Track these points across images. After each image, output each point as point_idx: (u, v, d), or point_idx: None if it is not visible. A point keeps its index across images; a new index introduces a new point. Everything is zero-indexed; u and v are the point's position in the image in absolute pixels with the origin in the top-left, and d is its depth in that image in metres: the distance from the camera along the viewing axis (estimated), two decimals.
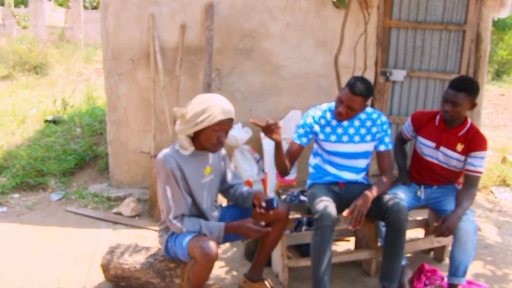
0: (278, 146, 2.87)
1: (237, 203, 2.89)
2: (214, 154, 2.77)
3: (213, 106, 2.52)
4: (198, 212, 2.72)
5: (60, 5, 22.25)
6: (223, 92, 4.48)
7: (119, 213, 4.23)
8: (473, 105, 3.02)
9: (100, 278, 3.08)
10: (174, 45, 4.41)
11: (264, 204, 2.66)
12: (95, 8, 23.04)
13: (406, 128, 3.41)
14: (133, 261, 2.86)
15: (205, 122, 2.51)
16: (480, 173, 3.07)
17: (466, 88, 2.95)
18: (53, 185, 4.70)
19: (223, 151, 2.87)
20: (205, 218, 2.74)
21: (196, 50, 4.45)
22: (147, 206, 4.34)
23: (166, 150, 2.61)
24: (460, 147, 3.10)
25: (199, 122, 2.51)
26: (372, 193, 2.89)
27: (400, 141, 3.51)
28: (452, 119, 3.06)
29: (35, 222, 4.03)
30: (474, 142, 3.06)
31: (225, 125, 2.57)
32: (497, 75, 15.33)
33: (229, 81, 4.56)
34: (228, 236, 2.81)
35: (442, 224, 2.88)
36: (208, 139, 2.57)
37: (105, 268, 2.93)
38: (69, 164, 5.02)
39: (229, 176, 2.92)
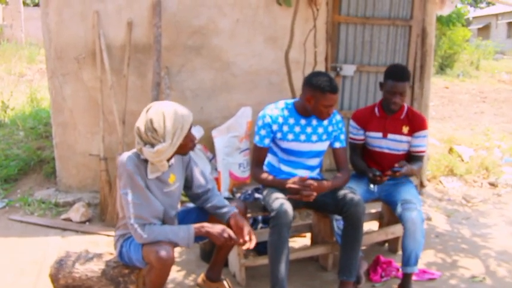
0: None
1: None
2: (176, 160, 2.64)
3: (178, 115, 2.43)
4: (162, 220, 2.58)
5: None
6: (173, 90, 4.38)
7: (68, 219, 4.05)
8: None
9: None
10: (121, 43, 4.27)
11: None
12: (36, 5, 22.14)
13: (353, 132, 3.38)
14: (85, 269, 2.73)
15: (182, 134, 2.43)
16: (425, 152, 3.32)
17: (407, 77, 3.16)
18: None
19: (187, 155, 2.72)
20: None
21: (144, 48, 4.32)
22: (98, 210, 4.19)
23: (128, 153, 2.48)
24: (405, 129, 3.25)
25: (176, 139, 2.41)
26: (329, 183, 2.95)
27: (354, 150, 3.42)
28: (399, 109, 3.23)
29: None
30: (416, 122, 3.26)
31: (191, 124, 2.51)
32: (441, 68, 15.98)
33: (179, 79, 4.46)
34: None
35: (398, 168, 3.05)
36: (185, 146, 2.50)
37: (54, 278, 2.78)
38: (11, 170, 4.76)
39: (197, 183, 2.75)
